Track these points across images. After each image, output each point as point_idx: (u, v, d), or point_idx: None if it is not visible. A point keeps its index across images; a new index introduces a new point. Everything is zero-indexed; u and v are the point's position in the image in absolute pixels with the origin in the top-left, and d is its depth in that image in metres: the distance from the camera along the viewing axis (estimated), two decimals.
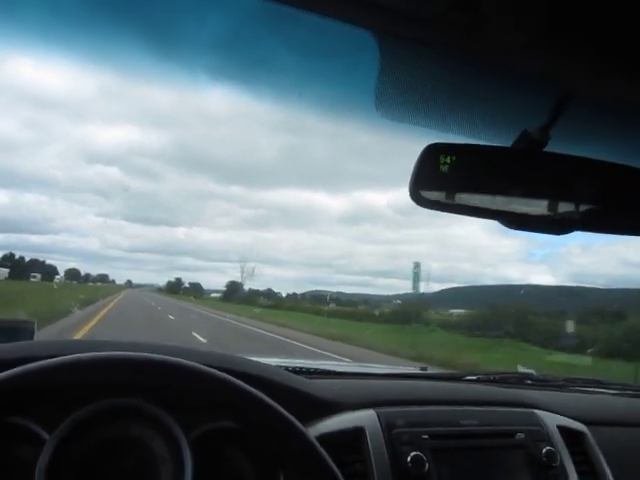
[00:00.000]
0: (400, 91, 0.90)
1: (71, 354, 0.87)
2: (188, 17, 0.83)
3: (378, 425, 1.24)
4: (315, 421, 1.21)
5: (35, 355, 0.92)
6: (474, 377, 1.77)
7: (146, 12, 0.82)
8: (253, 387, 0.92)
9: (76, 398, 0.90)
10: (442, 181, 0.87)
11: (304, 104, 0.96)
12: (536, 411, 1.46)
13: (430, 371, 1.95)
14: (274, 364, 1.47)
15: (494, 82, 0.90)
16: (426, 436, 1.25)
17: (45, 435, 0.94)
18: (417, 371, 1.93)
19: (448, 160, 0.86)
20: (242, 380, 0.91)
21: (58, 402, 0.89)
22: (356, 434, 1.22)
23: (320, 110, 0.99)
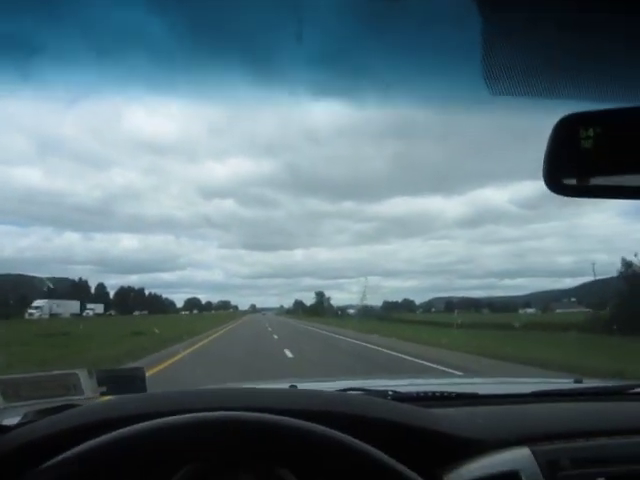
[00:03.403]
0: (511, 61, 0.83)
1: (193, 406, 0.94)
2: (284, 36, 0.87)
3: (537, 467, 1.11)
4: (453, 466, 1.10)
5: (158, 410, 0.97)
6: None
7: (246, 44, 0.87)
8: (368, 432, 0.90)
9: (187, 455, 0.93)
10: (586, 160, 0.79)
11: (411, 102, 0.96)
12: None
13: (588, 384, 1.76)
14: (379, 388, 1.44)
15: (621, 34, 0.81)
16: (602, 478, 1.11)
17: None
18: (572, 386, 1.76)
19: (590, 133, 0.77)
20: (352, 424, 0.91)
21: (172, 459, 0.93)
22: None
23: (428, 104, 0.97)
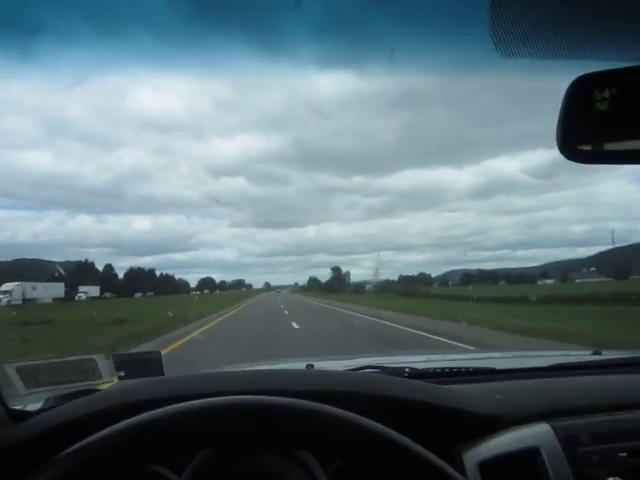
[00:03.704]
0: (520, 20, 0.79)
1: (210, 389, 0.95)
2: (289, 9, 0.85)
3: (557, 443, 1.10)
4: (471, 444, 1.10)
5: (176, 394, 0.98)
6: None
7: (247, 14, 0.85)
8: (386, 411, 0.91)
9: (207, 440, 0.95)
10: (601, 123, 0.76)
11: (419, 68, 0.93)
12: None
13: (607, 356, 1.73)
14: (395, 365, 1.43)
15: None
16: (624, 454, 1.09)
17: (175, 479, 0.99)
18: (591, 358, 1.72)
19: (606, 94, 0.75)
20: (369, 404, 0.91)
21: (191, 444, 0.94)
22: (528, 457, 1.08)
23: (436, 70, 0.94)
